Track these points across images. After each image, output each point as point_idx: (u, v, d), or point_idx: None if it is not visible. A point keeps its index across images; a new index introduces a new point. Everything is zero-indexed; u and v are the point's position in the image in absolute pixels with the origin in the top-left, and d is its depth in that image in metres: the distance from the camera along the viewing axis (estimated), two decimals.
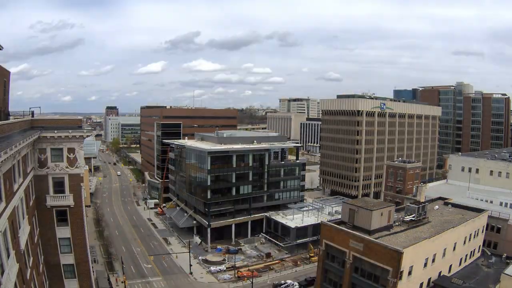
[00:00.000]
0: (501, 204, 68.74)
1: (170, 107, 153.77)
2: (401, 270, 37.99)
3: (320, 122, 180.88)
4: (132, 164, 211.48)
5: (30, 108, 37.93)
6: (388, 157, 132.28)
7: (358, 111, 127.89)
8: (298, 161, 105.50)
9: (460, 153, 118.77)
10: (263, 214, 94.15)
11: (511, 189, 76.96)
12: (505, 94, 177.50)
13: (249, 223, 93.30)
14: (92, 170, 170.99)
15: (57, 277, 36.70)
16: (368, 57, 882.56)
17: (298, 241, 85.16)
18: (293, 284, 67.39)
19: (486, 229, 56.73)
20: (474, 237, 52.29)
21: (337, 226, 46.13)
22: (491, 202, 70.43)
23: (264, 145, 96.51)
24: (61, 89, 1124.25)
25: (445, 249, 45.40)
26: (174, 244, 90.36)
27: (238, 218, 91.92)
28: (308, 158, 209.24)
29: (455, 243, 47.44)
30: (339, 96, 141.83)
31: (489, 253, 55.16)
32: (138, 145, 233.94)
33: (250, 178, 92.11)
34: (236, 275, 72.04)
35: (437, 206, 57.87)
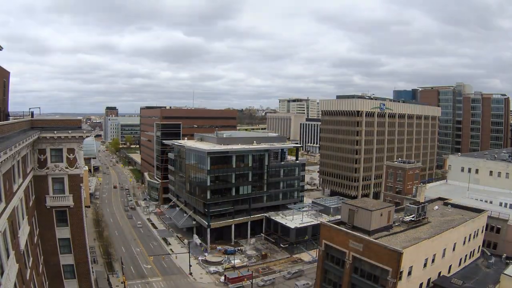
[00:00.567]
0: (500, 204, 68.84)
1: (170, 107, 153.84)
2: (401, 270, 37.99)
3: (319, 123, 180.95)
4: (131, 165, 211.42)
5: (29, 109, 37.94)
6: (387, 157, 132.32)
7: (358, 111, 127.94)
8: (297, 161, 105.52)
9: (459, 153, 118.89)
10: (262, 214, 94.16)
11: (510, 189, 77.04)
12: (504, 95, 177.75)
13: (249, 223, 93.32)
14: (92, 170, 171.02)
15: (56, 278, 36.65)
16: None
17: (297, 241, 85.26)
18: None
19: (486, 229, 56.72)
20: (474, 237, 52.29)
21: (337, 226, 46.12)
22: (491, 202, 70.52)
23: (263, 146, 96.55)
24: None
25: (444, 250, 45.40)
26: (174, 245, 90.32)
27: (238, 219, 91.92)
28: (308, 158, 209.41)
29: (455, 244, 47.44)
30: (338, 97, 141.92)
31: (488, 254, 55.14)
32: (137, 146, 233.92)
33: (250, 179, 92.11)
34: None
35: (436, 207, 57.86)
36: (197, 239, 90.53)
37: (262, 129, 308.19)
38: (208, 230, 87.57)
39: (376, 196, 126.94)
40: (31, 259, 29.06)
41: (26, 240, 28.02)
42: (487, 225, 56.77)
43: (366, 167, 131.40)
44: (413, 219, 49.21)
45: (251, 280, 66.70)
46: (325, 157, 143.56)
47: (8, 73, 35.56)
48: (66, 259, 36.98)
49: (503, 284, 44.56)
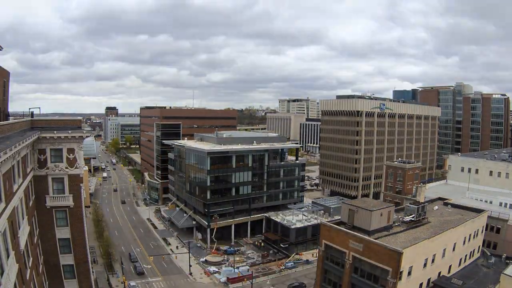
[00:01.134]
0: (500, 204, 68.85)
1: (170, 107, 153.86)
2: (401, 270, 38.00)
3: (319, 123, 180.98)
4: (131, 165, 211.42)
5: (29, 109, 37.92)
6: (387, 157, 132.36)
7: (358, 111, 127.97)
8: (297, 161, 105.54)
9: (459, 153, 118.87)
10: (262, 214, 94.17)
11: (510, 189, 77.04)
12: (504, 95, 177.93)
13: (249, 223, 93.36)
14: (92, 170, 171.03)
15: (56, 278, 36.64)
16: None
17: (297, 241, 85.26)
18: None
19: (486, 229, 56.74)
20: (474, 237, 52.30)
21: (337, 226, 46.13)
22: (491, 202, 70.52)
23: (263, 146, 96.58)
24: None
25: (444, 250, 45.41)
26: (174, 245, 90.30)
27: (238, 219, 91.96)
28: (308, 158, 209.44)
29: (455, 244, 47.45)
30: (338, 97, 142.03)
31: (488, 253, 55.14)
32: (137, 146, 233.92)
33: (250, 179, 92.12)
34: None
35: (436, 207, 57.88)
36: (198, 237, 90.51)
37: (262, 129, 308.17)
38: (208, 230, 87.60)
39: (376, 196, 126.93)
40: (31, 259, 29.06)
41: (26, 240, 28.02)
42: (487, 225, 56.80)
43: (366, 167, 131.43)
44: (413, 219, 49.22)
45: (251, 280, 66.70)
46: (325, 157, 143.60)
47: (8, 73, 35.57)
48: (66, 259, 36.96)
49: (503, 284, 44.57)
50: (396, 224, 48.71)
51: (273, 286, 70.41)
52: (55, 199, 35.66)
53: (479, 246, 55.22)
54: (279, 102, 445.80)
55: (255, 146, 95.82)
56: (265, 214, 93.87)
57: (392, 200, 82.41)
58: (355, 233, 42.82)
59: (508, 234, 57.44)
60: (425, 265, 42.53)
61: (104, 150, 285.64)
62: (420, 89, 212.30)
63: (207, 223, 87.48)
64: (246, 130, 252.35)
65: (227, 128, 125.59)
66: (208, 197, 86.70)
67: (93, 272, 42.85)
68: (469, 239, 50.89)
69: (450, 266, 47.88)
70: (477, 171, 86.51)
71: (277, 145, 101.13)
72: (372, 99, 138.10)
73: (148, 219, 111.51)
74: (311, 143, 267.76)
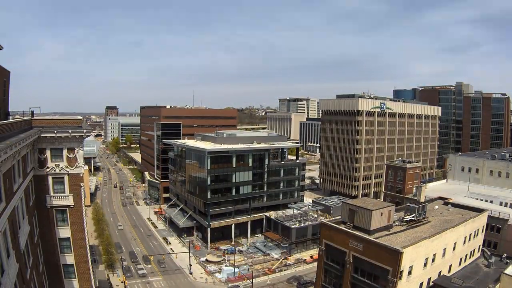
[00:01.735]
0: (501, 204, 68.84)
1: (170, 107, 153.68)
2: (401, 270, 37.98)
3: (320, 122, 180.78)
4: (132, 164, 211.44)
5: (30, 108, 37.87)
6: (388, 157, 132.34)
7: (358, 111, 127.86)
8: (297, 161, 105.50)
9: (460, 153, 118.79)
10: (263, 214, 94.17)
11: (511, 189, 77.00)
12: (505, 94, 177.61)
13: (249, 223, 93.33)
14: (92, 170, 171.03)
15: (57, 277, 36.65)
16: None
17: (298, 240, 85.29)
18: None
19: (486, 229, 56.68)
20: (474, 237, 52.27)
21: (337, 226, 46.10)
22: (491, 202, 70.47)
23: (264, 145, 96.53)
24: None
25: (445, 249, 45.39)
26: (174, 244, 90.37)
27: (238, 218, 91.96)
28: (308, 158, 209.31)
29: (455, 243, 47.42)
30: (338, 96, 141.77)
31: (489, 253, 55.08)
32: (138, 145, 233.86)
33: (250, 178, 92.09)
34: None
35: (437, 206, 57.86)
36: (199, 237, 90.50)
37: (262, 128, 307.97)
38: (209, 229, 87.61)
39: (376, 195, 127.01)
40: (31, 258, 29.05)
41: (26, 240, 28.01)
42: (487, 225, 56.73)
43: (366, 166, 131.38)
44: (413, 218, 49.19)
45: (251, 280, 66.71)
46: (326, 156, 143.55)
47: (9, 72, 35.49)
48: (67, 259, 36.98)
49: (503, 284, 44.54)
50: (397, 223, 48.67)
51: (273, 285, 70.43)
52: (55, 198, 35.65)
53: (479, 246, 55.18)
54: (279, 101, 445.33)
55: (255, 145, 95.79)
56: (266, 214, 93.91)
57: (393, 199, 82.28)
58: (356, 233, 42.80)
59: (509, 234, 57.35)
60: (425, 264, 42.50)
61: (105, 149, 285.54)
62: (420, 89, 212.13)
63: (207, 223, 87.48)
64: (246, 129, 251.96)
65: (227, 128, 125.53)
66: (208, 196, 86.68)
67: (93, 271, 42.85)
68: (470, 238, 50.85)
69: (450, 266, 47.85)
70: (477, 170, 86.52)
71: (277, 145, 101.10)
72: (372, 98, 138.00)
73: (148, 218, 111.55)
74: (311, 142, 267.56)
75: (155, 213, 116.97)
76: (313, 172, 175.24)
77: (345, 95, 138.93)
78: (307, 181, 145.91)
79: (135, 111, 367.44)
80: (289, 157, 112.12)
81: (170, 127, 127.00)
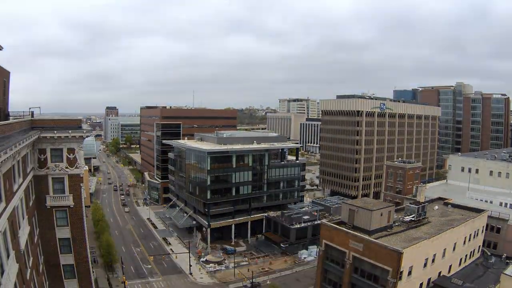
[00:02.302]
0: (500, 204, 68.85)
1: (170, 107, 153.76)
2: (401, 270, 38.02)
3: (320, 123, 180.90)
4: (132, 165, 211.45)
5: (30, 108, 37.84)
6: (388, 157, 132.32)
7: (358, 111, 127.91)
8: (297, 161, 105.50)
9: (459, 153, 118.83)
10: (263, 214, 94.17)
11: (511, 189, 76.99)
12: (504, 94, 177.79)
13: (249, 223, 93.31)
14: (92, 170, 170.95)
15: (57, 277, 36.62)
16: None
17: (298, 241, 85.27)
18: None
19: (486, 229, 56.74)
20: (474, 237, 52.30)
21: (337, 226, 46.14)
22: (491, 202, 70.50)
23: (263, 146, 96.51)
24: None
25: (444, 250, 45.42)
26: (174, 244, 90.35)
27: (238, 219, 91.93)
28: (308, 158, 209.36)
29: (455, 244, 47.46)
30: (339, 97, 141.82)
31: (489, 253, 55.15)
32: (137, 146, 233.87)
33: (250, 179, 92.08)
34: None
35: (436, 206, 57.88)
36: (198, 237, 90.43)
37: (262, 129, 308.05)
38: (208, 230, 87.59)
39: (376, 196, 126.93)
40: (31, 259, 29.05)
41: (26, 240, 28.00)
42: (487, 225, 56.80)
43: (366, 167, 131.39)
44: (413, 219, 49.24)
45: (251, 280, 66.70)
46: (325, 157, 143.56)
47: (8, 72, 35.50)
48: (66, 259, 36.94)
49: (503, 284, 44.58)
50: (396, 224, 48.72)
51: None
52: (55, 199, 35.63)
53: (479, 246, 55.22)
54: (280, 101, 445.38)
55: (255, 146, 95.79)
56: (265, 214, 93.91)
57: (392, 200, 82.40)
58: (356, 233, 42.83)
59: (508, 234, 57.41)
60: (425, 265, 42.54)
61: (105, 149, 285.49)
62: (420, 89, 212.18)
63: (207, 223, 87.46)
64: (246, 130, 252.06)
65: (227, 128, 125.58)
66: (208, 197, 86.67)
67: (93, 272, 42.85)
68: (469, 239, 50.90)
69: (450, 266, 47.89)
70: (477, 171, 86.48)
71: (277, 145, 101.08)
72: (372, 99, 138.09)
73: (148, 219, 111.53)
74: (311, 143, 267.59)
75: (156, 213, 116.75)
76: (313, 172, 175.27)
77: (345, 95, 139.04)
78: (307, 181, 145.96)
79: (135, 112, 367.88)
80: (289, 157, 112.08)
81: (170, 127, 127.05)
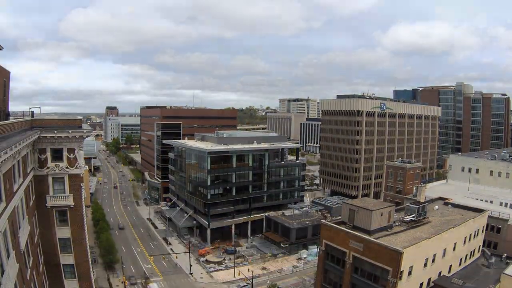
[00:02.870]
0: (501, 204, 68.83)
1: (170, 107, 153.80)
2: (401, 270, 38.00)
3: (320, 122, 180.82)
4: (132, 164, 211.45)
5: (30, 108, 37.88)
6: (388, 157, 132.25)
7: (358, 111, 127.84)
8: (298, 161, 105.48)
9: (460, 153, 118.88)
10: (263, 214, 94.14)
11: (511, 189, 76.98)
12: (505, 94, 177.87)
13: (249, 223, 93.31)
14: (92, 170, 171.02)
15: (57, 277, 36.61)
16: None
17: (298, 241, 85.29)
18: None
19: (486, 229, 56.70)
20: (474, 237, 52.28)
21: (337, 226, 46.11)
22: (491, 202, 70.47)
23: (264, 145, 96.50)
24: None
25: (445, 249, 45.40)
26: (174, 244, 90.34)
27: (238, 218, 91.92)
28: (308, 158, 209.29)
29: (455, 243, 47.43)
30: (339, 96, 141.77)
31: (489, 253, 55.10)
32: (138, 145, 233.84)
33: (250, 178, 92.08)
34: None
35: (437, 206, 57.86)
36: (196, 239, 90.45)
37: (262, 128, 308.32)
38: (209, 230, 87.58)
39: (377, 196, 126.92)
40: (31, 259, 29.04)
41: (27, 240, 28.01)
42: (487, 225, 56.75)
43: (367, 167, 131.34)
44: (413, 219, 49.21)
45: (251, 280, 66.71)
46: (326, 156, 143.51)
47: (9, 72, 35.52)
48: (67, 259, 36.93)
49: (504, 284, 44.59)
50: (397, 224, 48.69)
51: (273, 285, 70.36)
52: (55, 198, 35.63)
53: (479, 246, 55.19)
54: (280, 101, 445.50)
55: (255, 145, 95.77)
56: (266, 214, 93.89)
57: (393, 200, 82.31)
58: (356, 233, 42.82)
59: (509, 234, 57.34)
60: (425, 265, 42.52)
61: (105, 149, 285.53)
62: (420, 89, 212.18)
63: (207, 223, 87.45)
64: (246, 129, 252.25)
65: (227, 128, 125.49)
66: (209, 196, 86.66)
67: (93, 272, 42.86)
68: (470, 239, 50.87)
69: (450, 266, 47.87)
70: (477, 171, 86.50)
71: (278, 145, 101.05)
72: (372, 98, 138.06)
73: (148, 218, 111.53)
74: (311, 142, 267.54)
75: (156, 212, 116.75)
76: (313, 172, 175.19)
77: (345, 95, 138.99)
78: (307, 181, 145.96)
79: (135, 112, 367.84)
80: (289, 157, 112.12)
81: (170, 127, 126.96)
